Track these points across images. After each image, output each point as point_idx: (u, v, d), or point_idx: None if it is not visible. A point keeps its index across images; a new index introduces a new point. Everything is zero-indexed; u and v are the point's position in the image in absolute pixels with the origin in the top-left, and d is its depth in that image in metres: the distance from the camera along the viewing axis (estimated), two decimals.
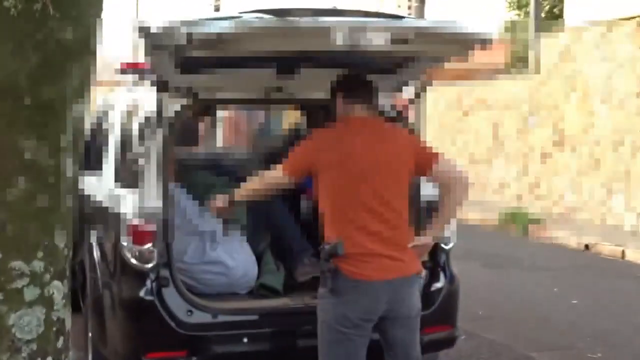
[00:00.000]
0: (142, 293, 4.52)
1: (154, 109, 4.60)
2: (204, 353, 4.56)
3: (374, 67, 4.68)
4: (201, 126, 7.41)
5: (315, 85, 5.11)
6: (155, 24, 4.00)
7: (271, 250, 5.41)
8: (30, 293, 2.80)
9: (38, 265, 2.80)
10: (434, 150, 4.08)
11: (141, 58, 4.76)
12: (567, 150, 13.77)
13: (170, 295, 4.53)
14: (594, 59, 13.05)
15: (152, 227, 4.51)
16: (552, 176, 14.14)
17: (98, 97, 6.54)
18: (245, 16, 3.94)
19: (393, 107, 5.11)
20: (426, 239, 4.10)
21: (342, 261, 3.77)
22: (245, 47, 4.05)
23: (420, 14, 19.37)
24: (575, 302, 8.22)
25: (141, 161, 4.69)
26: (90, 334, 5.23)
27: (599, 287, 9.09)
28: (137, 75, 5.41)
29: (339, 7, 4.22)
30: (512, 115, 15.24)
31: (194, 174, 5.76)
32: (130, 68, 5.53)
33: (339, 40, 3.81)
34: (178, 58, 4.23)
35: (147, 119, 4.77)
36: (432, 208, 4.50)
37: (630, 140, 12.34)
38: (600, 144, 12.97)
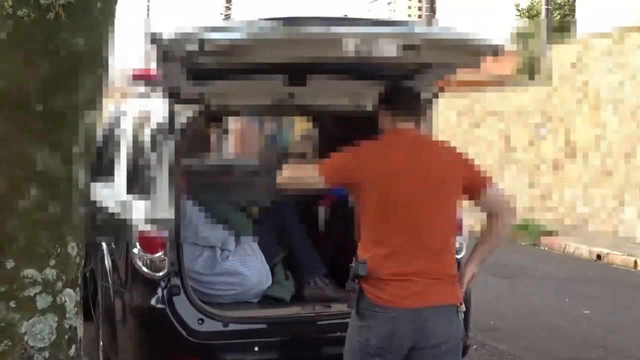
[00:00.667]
0: (153, 301, 4.52)
1: (165, 117, 4.61)
2: None
3: (385, 76, 4.68)
4: (212, 135, 7.39)
5: (326, 94, 5.11)
6: (167, 33, 4.01)
7: (282, 260, 5.41)
8: (43, 301, 2.80)
9: (50, 273, 2.81)
10: (484, 172, 3.80)
11: (153, 66, 4.77)
12: (578, 161, 13.73)
13: (181, 303, 4.52)
14: (605, 68, 13.02)
15: (163, 236, 4.51)
16: (563, 186, 14.09)
17: (109, 105, 6.56)
18: (257, 25, 3.95)
19: None
20: (472, 269, 3.77)
21: (368, 283, 3.51)
22: (256, 55, 4.06)
23: (431, 23, 19.38)
24: (586, 312, 8.19)
25: (152, 169, 4.70)
26: (101, 343, 5.24)
27: (611, 298, 9.05)
28: (148, 84, 5.42)
29: (350, 16, 4.22)
30: (523, 125, 15.21)
31: (204, 185, 5.76)
32: (141, 76, 5.54)
33: (350, 49, 3.81)
34: (189, 66, 4.24)
35: (158, 127, 4.78)
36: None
37: None
38: (611, 154, 12.93)
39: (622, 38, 12.70)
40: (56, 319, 2.83)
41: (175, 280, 4.51)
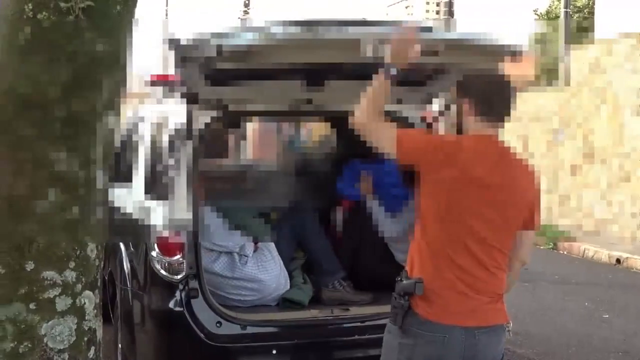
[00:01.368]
0: (171, 304, 4.53)
1: (184, 121, 4.62)
2: None
3: (404, 79, 4.67)
4: (230, 138, 7.41)
5: (345, 97, 5.11)
6: (185, 37, 4.02)
7: (300, 265, 5.41)
8: (62, 303, 2.82)
9: (70, 275, 2.82)
10: (539, 212, 3.45)
11: (171, 70, 4.78)
12: (597, 164, 13.66)
13: (199, 306, 4.53)
14: (624, 71, 12.95)
15: (181, 239, 4.52)
16: (582, 190, 14.03)
17: (128, 109, 6.58)
18: (274, 28, 3.95)
19: (423, 119, 5.10)
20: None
21: (418, 297, 3.24)
22: (274, 59, 4.06)
23: (448, 27, 19.35)
24: (606, 316, 8.14)
25: (171, 173, 4.71)
26: (120, 346, 5.25)
27: (631, 302, 8.98)
28: (167, 88, 5.44)
29: (369, 19, 4.22)
30: (542, 128, 15.16)
31: (222, 190, 5.76)
32: (160, 80, 5.56)
33: (369, 51, 3.80)
34: (208, 70, 4.24)
35: (176, 131, 4.79)
36: None
37: None
38: (630, 157, 12.86)
39: None
40: (75, 320, 2.85)
41: (194, 283, 4.52)
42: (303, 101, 5.13)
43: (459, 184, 3.21)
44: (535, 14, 32.49)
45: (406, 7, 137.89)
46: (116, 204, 5.48)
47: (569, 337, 7.28)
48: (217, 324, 4.54)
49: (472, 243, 3.24)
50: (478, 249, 3.25)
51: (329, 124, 6.71)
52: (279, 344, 4.65)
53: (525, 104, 15.73)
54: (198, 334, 4.51)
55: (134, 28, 2.97)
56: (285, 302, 5.07)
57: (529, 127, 15.56)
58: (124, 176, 5.75)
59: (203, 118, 4.74)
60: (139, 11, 3.00)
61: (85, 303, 2.87)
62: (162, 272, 4.54)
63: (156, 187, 5.06)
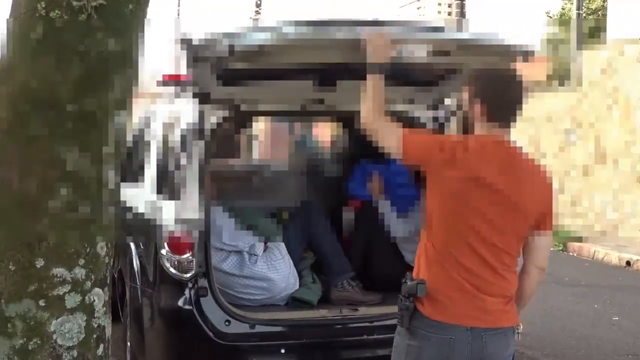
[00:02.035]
0: (180, 302, 4.54)
1: (195, 120, 4.63)
2: None
3: (415, 79, 4.68)
4: (240, 138, 7.42)
5: (356, 97, 5.11)
6: (197, 36, 4.03)
7: (310, 265, 5.41)
8: (72, 300, 2.83)
9: (79, 272, 2.83)
10: (554, 215, 3.43)
11: (182, 70, 4.79)
12: (608, 166, 13.62)
13: (208, 305, 4.54)
14: (636, 73, 12.91)
15: (191, 237, 4.53)
16: (593, 192, 13.99)
17: (140, 108, 6.59)
18: (286, 28, 3.95)
19: (435, 119, 5.10)
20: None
21: (425, 297, 3.21)
22: (286, 59, 4.06)
23: (460, 27, 19.31)
24: (616, 319, 8.12)
25: (181, 172, 4.72)
26: (129, 344, 5.26)
27: None
28: (178, 87, 5.45)
29: (380, 19, 4.22)
30: (553, 129, 15.12)
31: (233, 190, 5.77)
32: (171, 80, 5.56)
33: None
34: (219, 70, 4.25)
35: (187, 130, 4.80)
36: None
37: None
38: None
39: None
40: (85, 318, 2.86)
41: (203, 282, 4.53)
42: (314, 101, 5.13)
43: (463, 184, 3.19)
44: (548, 15, 32.42)
45: (418, 8, 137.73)
46: (127, 203, 5.50)
47: (578, 340, 7.26)
48: (226, 323, 4.55)
49: (477, 244, 3.20)
50: (484, 250, 3.21)
51: (340, 124, 6.71)
52: (288, 343, 4.66)
53: (537, 105, 15.69)
54: (207, 333, 4.51)
55: (146, 27, 2.97)
56: (295, 302, 5.08)
57: (540, 128, 15.52)
58: (135, 175, 5.77)
59: (214, 118, 4.75)
60: (151, 11, 3.01)
61: (94, 300, 2.88)
62: (172, 270, 4.55)
63: (167, 185, 5.07)
